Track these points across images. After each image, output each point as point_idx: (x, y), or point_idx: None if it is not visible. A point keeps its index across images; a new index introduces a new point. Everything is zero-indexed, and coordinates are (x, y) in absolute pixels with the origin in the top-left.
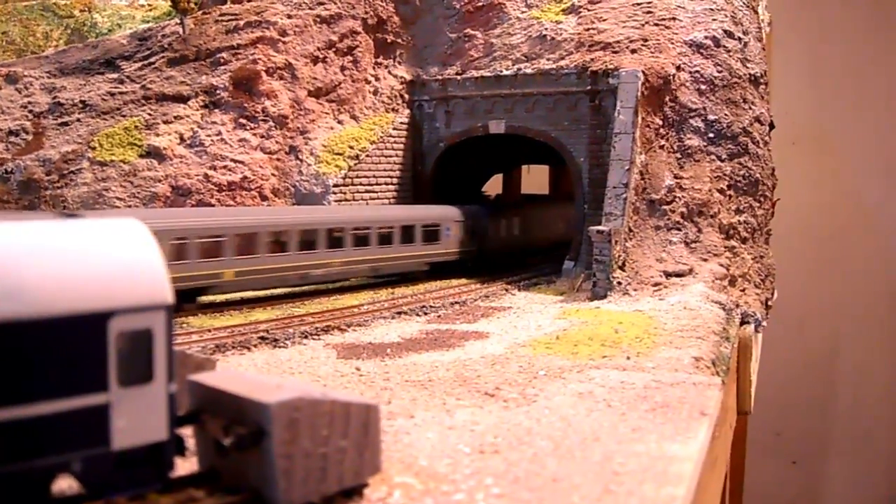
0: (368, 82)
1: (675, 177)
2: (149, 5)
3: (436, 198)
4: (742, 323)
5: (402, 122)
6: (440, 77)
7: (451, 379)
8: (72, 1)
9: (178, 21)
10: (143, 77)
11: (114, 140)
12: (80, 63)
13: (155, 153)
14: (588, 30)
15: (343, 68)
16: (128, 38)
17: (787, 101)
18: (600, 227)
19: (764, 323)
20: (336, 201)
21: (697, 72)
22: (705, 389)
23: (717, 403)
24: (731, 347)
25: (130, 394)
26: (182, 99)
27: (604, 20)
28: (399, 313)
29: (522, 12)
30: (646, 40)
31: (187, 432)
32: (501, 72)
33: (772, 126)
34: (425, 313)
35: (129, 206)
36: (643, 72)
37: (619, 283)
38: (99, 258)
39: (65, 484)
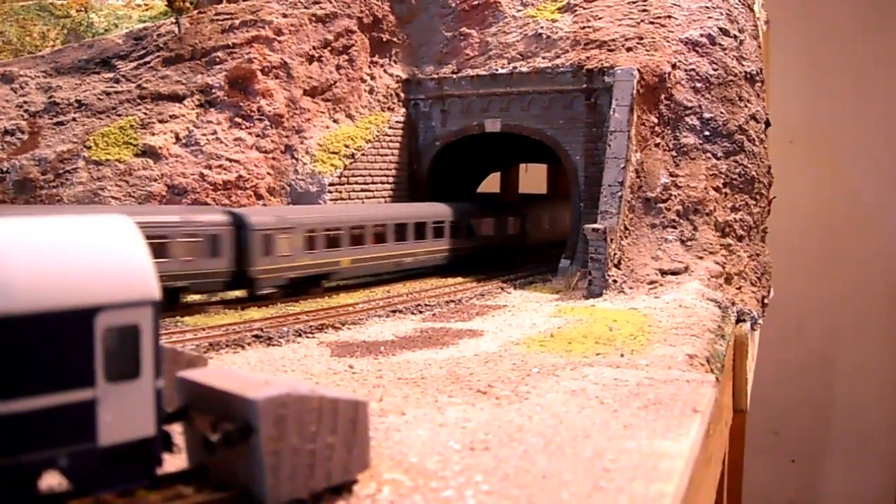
0: (364, 81)
1: (671, 175)
2: (145, 5)
3: (432, 197)
4: (738, 321)
5: (397, 121)
6: (436, 76)
7: (444, 377)
8: (68, 1)
9: (174, 20)
10: (139, 76)
11: (109, 139)
12: (75, 62)
13: (150, 152)
14: (583, 28)
15: (339, 67)
16: (123, 38)
17: (785, 99)
18: (596, 225)
19: (760, 321)
20: (332, 200)
21: (693, 70)
22: (699, 387)
23: (711, 401)
24: (727, 345)
25: (117, 389)
26: (177, 98)
27: (599, 18)
28: (394, 311)
29: (518, 11)
30: (641, 38)
31: (176, 428)
32: (497, 70)
33: (768, 124)
34: (420, 311)
35: (126, 205)
36: (639, 70)
37: (615, 281)
38: (85, 254)
39: (54, 480)
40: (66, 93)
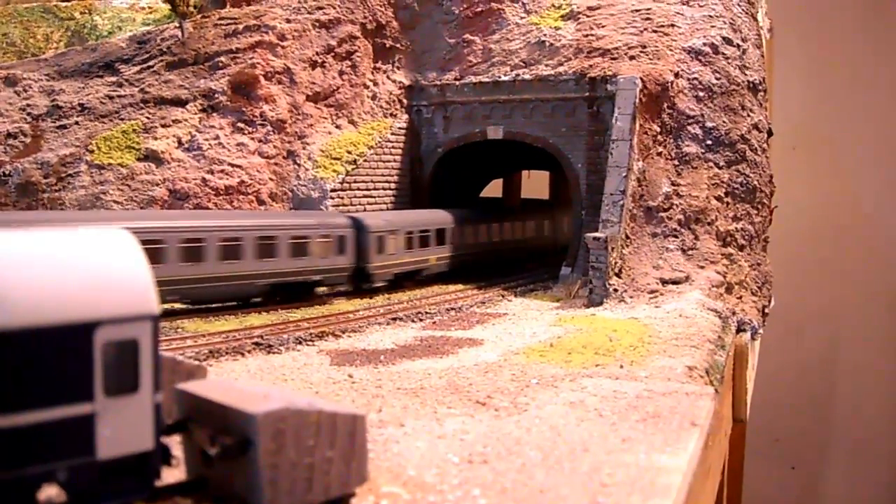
0: (367, 87)
1: (673, 184)
2: (149, 8)
3: (433, 203)
4: (738, 331)
5: (400, 127)
6: (439, 82)
7: (444, 387)
8: (73, 3)
9: (178, 25)
10: (142, 80)
11: (112, 143)
12: (78, 66)
13: (153, 157)
14: (587, 36)
15: (341, 73)
16: (126, 42)
17: (788, 106)
18: (597, 234)
19: (760, 331)
20: (334, 206)
21: (696, 79)
22: (697, 399)
23: (709, 414)
24: (727, 356)
25: (116, 403)
26: (180, 103)
27: (602, 26)
28: (394, 319)
29: (521, 18)
30: (644, 47)
31: (175, 441)
32: (500, 77)
33: (770, 133)
34: (420, 319)
35: (128, 209)
36: (641, 78)
37: (616, 291)
38: (85, 268)
39: (52, 492)
40: (69, 96)
